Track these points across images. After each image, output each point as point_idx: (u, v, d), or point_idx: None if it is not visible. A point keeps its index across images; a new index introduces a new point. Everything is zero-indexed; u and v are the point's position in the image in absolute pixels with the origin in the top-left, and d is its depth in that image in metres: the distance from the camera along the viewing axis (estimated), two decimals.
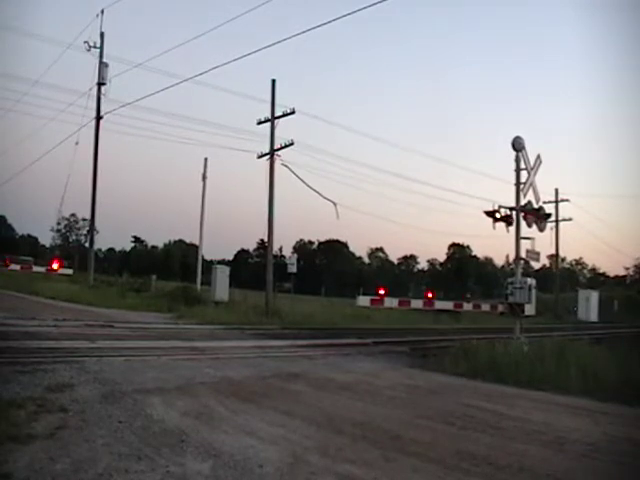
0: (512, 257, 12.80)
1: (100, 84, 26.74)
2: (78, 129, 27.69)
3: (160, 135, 79.77)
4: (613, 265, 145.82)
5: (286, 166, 21.46)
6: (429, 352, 11.03)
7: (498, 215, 11.42)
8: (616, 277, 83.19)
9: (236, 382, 6.83)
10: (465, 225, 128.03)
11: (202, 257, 28.17)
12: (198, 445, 4.15)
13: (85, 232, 78.81)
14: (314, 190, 22.22)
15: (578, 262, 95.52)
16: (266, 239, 22.65)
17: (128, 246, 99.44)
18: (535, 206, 11.76)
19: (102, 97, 26.76)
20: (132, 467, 3.59)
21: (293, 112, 21.10)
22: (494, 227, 11.54)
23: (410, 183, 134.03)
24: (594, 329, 21.98)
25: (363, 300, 26.11)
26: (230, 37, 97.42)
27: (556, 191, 36.54)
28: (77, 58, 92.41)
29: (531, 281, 11.36)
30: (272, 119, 21.47)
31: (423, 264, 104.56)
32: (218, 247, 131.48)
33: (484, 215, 11.62)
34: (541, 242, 13.00)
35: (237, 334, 13.36)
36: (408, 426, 5.26)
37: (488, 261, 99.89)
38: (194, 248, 40.26)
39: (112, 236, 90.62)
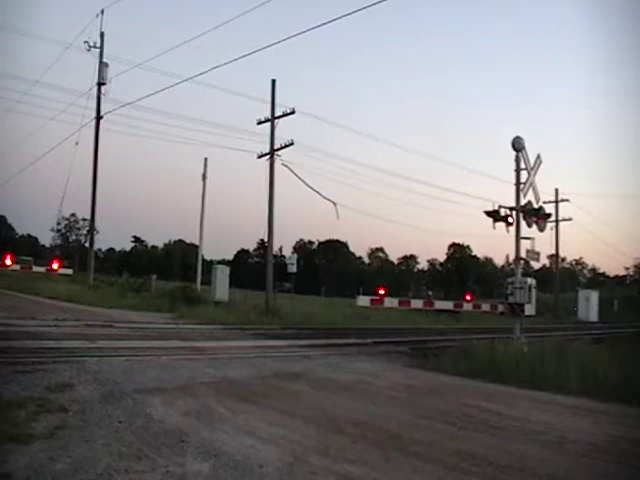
0: (512, 257, 12.78)
1: (100, 84, 26.79)
2: (78, 129, 27.77)
3: (160, 135, 79.62)
4: (613, 265, 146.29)
5: (286, 166, 21.50)
6: (429, 352, 11.02)
7: (498, 215, 11.43)
8: (616, 277, 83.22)
9: (236, 382, 6.83)
10: (465, 225, 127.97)
11: (202, 257, 28.13)
12: (198, 445, 4.15)
13: (85, 232, 78.65)
14: (314, 190, 22.27)
15: (578, 262, 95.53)
16: (266, 239, 22.66)
17: (128, 246, 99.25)
18: (535, 206, 11.75)
19: (102, 97, 26.87)
20: (132, 467, 3.59)
21: (293, 112, 21.12)
22: (494, 227, 11.55)
23: (410, 183, 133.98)
24: (594, 329, 21.97)
25: (363, 300, 25.97)
26: (230, 37, 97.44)
27: (556, 191, 36.59)
28: (77, 58, 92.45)
29: (531, 281, 11.37)
30: (272, 119, 21.49)
31: (423, 264, 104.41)
32: (218, 247, 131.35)
33: (484, 215, 11.63)
34: (541, 242, 13.02)
35: (237, 334, 13.36)
36: (408, 426, 5.25)
37: (488, 261, 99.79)
38: (194, 248, 40.23)
39: (112, 236, 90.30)
